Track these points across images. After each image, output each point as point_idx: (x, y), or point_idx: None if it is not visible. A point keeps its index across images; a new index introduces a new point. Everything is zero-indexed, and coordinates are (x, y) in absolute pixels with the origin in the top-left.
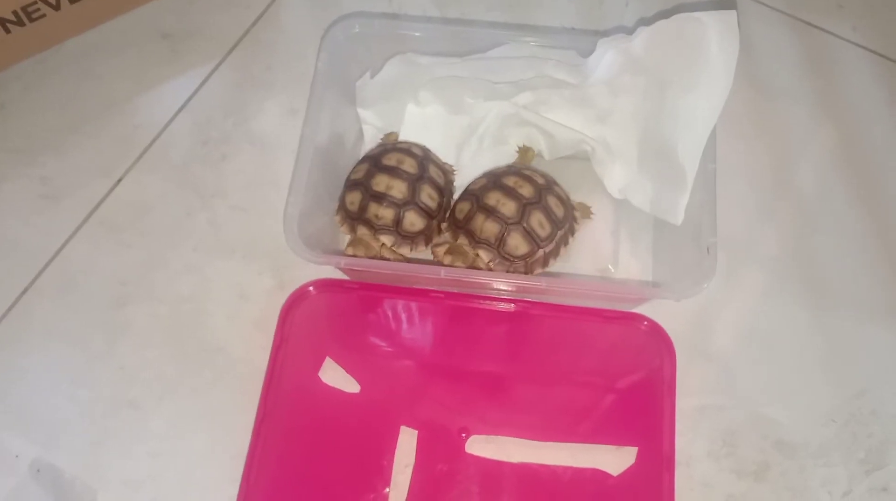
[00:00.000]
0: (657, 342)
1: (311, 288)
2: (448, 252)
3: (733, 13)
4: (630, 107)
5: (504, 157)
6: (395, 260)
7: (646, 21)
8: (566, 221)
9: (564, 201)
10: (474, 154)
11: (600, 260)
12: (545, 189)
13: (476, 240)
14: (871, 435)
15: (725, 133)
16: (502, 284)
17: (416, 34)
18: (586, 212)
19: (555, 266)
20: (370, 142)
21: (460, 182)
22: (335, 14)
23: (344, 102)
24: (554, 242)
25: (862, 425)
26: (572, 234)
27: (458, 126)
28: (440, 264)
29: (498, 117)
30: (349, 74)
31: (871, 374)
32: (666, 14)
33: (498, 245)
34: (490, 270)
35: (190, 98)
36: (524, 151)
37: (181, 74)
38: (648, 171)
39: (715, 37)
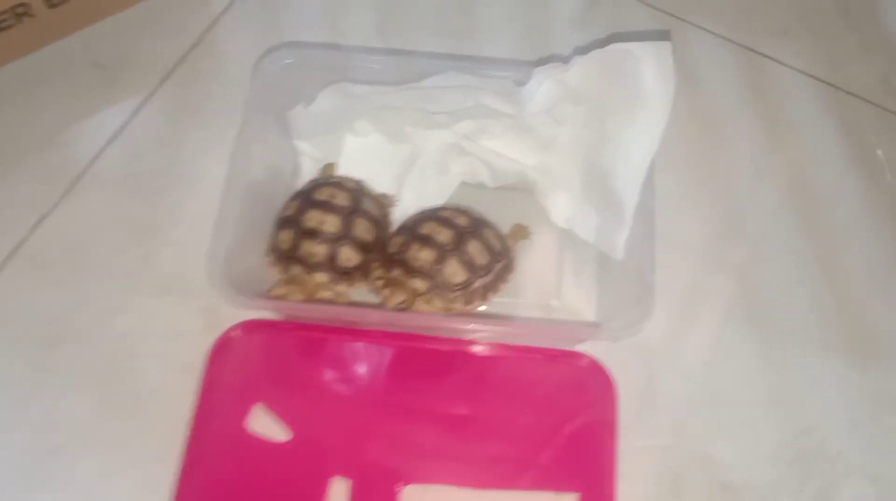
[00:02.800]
0: (598, 382)
1: (238, 330)
2: (385, 286)
3: (667, 45)
4: (571, 135)
5: (448, 188)
6: (334, 299)
7: (581, 50)
8: (504, 255)
9: (501, 238)
10: (416, 184)
11: (543, 294)
12: (481, 223)
13: (411, 269)
14: (819, 474)
15: (670, 164)
16: (438, 323)
17: (351, 64)
18: (524, 233)
19: (496, 300)
20: (308, 174)
21: (401, 212)
22: (275, 41)
23: (279, 134)
24: (493, 273)
25: (809, 463)
26: (511, 271)
27: (399, 155)
28: (372, 306)
29: (439, 146)
30: (283, 105)
31: (818, 411)
32: (602, 44)
33: (434, 273)
34: (427, 299)
35: (122, 128)
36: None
37: (113, 104)
38: (591, 201)
39: (650, 69)
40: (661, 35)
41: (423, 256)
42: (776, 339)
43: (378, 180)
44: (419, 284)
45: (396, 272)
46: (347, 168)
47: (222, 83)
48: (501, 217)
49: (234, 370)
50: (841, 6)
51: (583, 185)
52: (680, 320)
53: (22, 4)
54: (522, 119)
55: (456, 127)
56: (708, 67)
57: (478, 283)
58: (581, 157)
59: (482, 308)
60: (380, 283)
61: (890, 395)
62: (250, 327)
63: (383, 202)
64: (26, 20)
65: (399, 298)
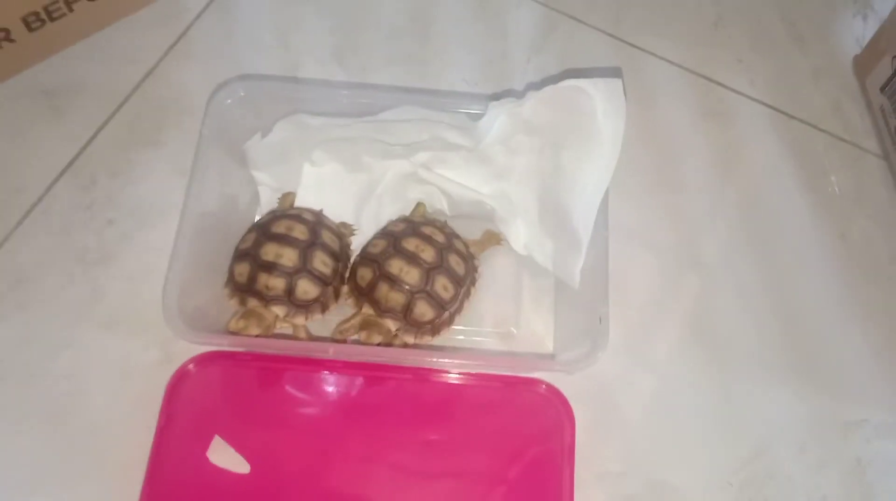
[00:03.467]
0: (557, 408)
1: (196, 363)
2: (361, 327)
3: (618, 82)
4: (527, 164)
5: (404, 214)
6: (293, 332)
7: (535, 85)
8: (468, 276)
9: (465, 256)
10: (374, 213)
11: (502, 321)
12: (446, 249)
13: (381, 309)
14: (769, 497)
15: (625, 193)
16: (401, 357)
17: (307, 96)
18: (496, 239)
19: (457, 327)
20: (266, 203)
21: (360, 241)
22: (230, 68)
23: (235, 164)
24: (458, 300)
25: (758, 488)
26: (473, 284)
27: (357, 184)
28: (330, 340)
29: (396, 176)
30: (239, 136)
31: (767, 436)
32: (556, 79)
33: (405, 313)
34: (396, 336)
35: (73, 160)
36: (417, 209)
37: (64, 134)
38: (549, 229)
39: (601, 105)
40: (614, 72)
41: (394, 298)
42: (727, 365)
43: (337, 209)
44: (391, 323)
45: (368, 309)
46: (305, 197)
47: (176, 113)
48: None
49: (193, 404)
50: (793, 34)
51: (539, 213)
52: (634, 348)
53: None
54: (478, 150)
55: (413, 157)
56: (663, 94)
57: (445, 315)
58: (537, 186)
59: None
60: (356, 321)
61: (835, 418)
62: (208, 359)
63: (342, 232)
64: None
65: (376, 339)
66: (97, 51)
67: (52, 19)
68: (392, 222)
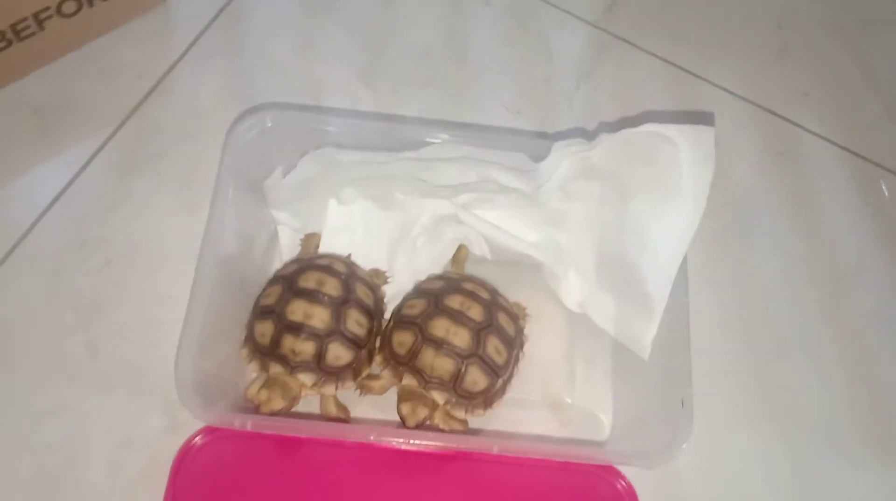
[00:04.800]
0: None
1: (206, 436)
2: (405, 399)
3: (710, 131)
4: (586, 211)
5: (443, 258)
6: (320, 402)
7: (607, 126)
8: (518, 338)
9: (511, 315)
10: (408, 257)
11: (554, 388)
12: (493, 306)
13: (426, 379)
14: None
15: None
16: (444, 442)
17: (334, 128)
18: (521, 313)
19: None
20: (287, 245)
21: (394, 290)
22: (241, 89)
23: (252, 202)
24: (510, 366)
25: None
26: (522, 348)
27: (390, 224)
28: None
29: (434, 216)
30: (257, 171)
31: None
32: (633, 122)
33: (454, 383)
34: (446, 411)
35: (65, 189)
36: (459, 252)
37: (54, 159)
38: (609, 286)
39: (687, 155)
40: (703, 118)
41: (441, 365)
42: (806, 449)
43: (366, 252)
44: (438, 396)
45: (410, 381)
46: (332, 239)
47: (181, 137)
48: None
49: (202, 484)
50: (864, 67)
51: (598, 266)
52: (706, 430)
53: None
54: (534, 195)
55: (455, 198)
56: (723, 127)
57: (499, 383)
58: (597, 236)
59: None
60: (401, 404)
61: None
62: (220, 432)
63: (376, 284)
64: None
65: (421, 414)
66: (92, 63)
67: (20, 39)
68: (427, 280)
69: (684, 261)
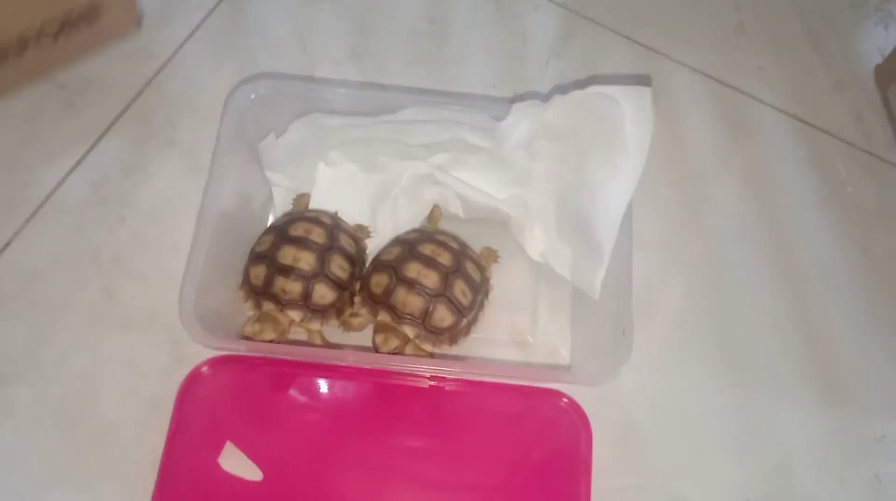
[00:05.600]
0: (574, 421)
1: (208, 366)
2: (377, 331)
3: (647, 91)
4: (547, 170)
5: (421, 216)
6: (308, 336)
7: (561, 89)
8: (483, 285)
9: (478, 265)
10: (391, 214)
11: (518, 329)
12: (462, 255)
13: (399, 315)
14: None
15: (643, 201)
16: (418, 365)
17: (323, 96)
18: (494, 257)
19: (472, 336)
20: (280, 204)
21: (376, 243)
22: (243, 66)
23: (250, 164)
24: (475, 308)
25: None
26: (487, 297)
27: (373, 185)
28: (348, 348)
29: (413, 177)
30: (254, 135)
31: (787, 451)
32: (581, 84)
33: (423, 319)
34: (416, 344)
35: (85, 154)
36: (434, 212)
37: (76, 128)
38: (567, 237)
39: (629, 114)
40: (642, 80)
41: (412, 302)
42: (749, 381)
43: (351, 210)
44: (409, 330)
45: (384, 316)
46: (321, 198)
47: (189, 109)
48: (475, 246)
49: (205, 408)
50: (815, 42)
51: (558, 220)
52: (653, 362)
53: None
54: (499, 153)
55: (430, 159)
56: (683, 100)
57: (464, 322)
58: (556, 192)
59: None
60: (362, 321)
61: (856, 433)
62: (220, 362)
63: (358, 236)
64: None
65: (393, 344)
66: (110, 46)
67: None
68: (403, 233)
69: (630, 209)
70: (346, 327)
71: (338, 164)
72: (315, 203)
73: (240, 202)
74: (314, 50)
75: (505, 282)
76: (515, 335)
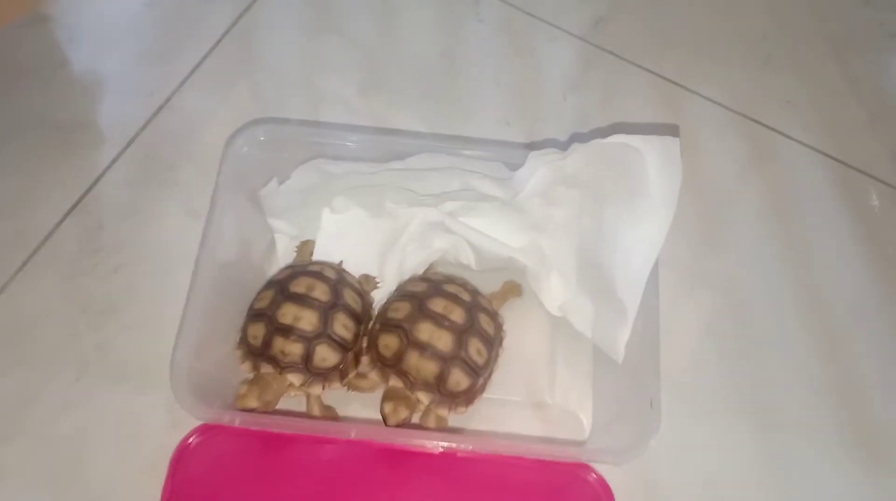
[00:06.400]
0: (599, 495)
1: (203, 433)
2: (388, 398)
3: (675, 142)
4: (566, 218)
5: (426, 261)
6: (307, 402)
7: (579, 134)
8: (497, 336)
9: (492, 314)
10: (398, 263)
11: (535, 389)
12: (474, 308)
13: (412, 381)
14: None
15: (669, 248)
16: (429, 439)
17: (328, 141)
18: (517, 291)
19: (485, 396)
20: (283, 252)
21: (383, 295)
22: (247, 104)
23: (251, 210)
24: (490, 365)
25: None
26: (501, 344)
27: (380, 232)
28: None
29: (422, 224)
30: (256, 181)
31: None
32: (603, 132)
33: (438, 384)
34: (429, 411)
35: (81, 198)
36: (432, 267)
37: (72, 170)
38: (588, 290)
39: (654, 166)
40: (670, 129)
41: (426, 367)
42: (784, 442)
43: (358, 258)
44: (423, 396)
45: (396, 382)
46: (325, 246)
47: (190, 150)
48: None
49: (198, 479)
50: (848, 75)
51: (578, 271)
52: (682, 426)
53: None
54: (514, 202)
55: (441, 205)
56: (708, 136)
57: (480, 382)
58: (576, 242)
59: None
60: (368, 382)
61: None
62: (214, 431)
63: (364, 290)
64: None
65: (402, 414)
66: (107, 83)
67: None
68: (409, 282)
69: (656, 265)
70: (353, 388)
71: (343, 210)
72: (319, 251)
73: (240, 251)
74: (321, 84)
75: (521, 337)
76: (532, 396)
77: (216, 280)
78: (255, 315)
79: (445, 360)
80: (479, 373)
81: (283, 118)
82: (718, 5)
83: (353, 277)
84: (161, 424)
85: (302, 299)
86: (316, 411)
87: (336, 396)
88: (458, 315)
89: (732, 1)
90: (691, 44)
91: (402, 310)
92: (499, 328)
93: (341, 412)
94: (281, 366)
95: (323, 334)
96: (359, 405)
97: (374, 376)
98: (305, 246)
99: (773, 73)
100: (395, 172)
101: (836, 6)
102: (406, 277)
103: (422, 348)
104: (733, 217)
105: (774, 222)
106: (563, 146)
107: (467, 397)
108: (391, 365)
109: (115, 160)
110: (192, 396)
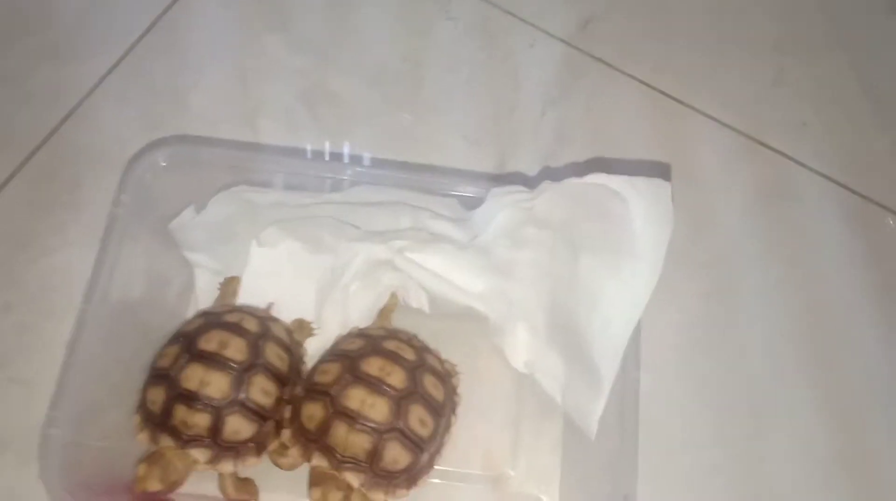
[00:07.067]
0: None
1: None
2: (315, 483)
3: (666, 187)
4: (536, 260)
5: (376, 307)
6: (218, 481)
7: (552, 172)
8: (447, 402)
9: (441, 376)
10: (340, 307)
11: (495, 460)
12: (419, 368)
13: (339, 459)
14: None
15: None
16: None
17: (252, 164)
18: (453, 371)
19: (435, 468)
20: (204, 289)
21: (320, 344)
22: (170, 111)
23: (163, 242)
24: (437, 437)
25: None
26: (454, 412)
27: (318, 269)
28: None
29: (368, 261)
30: (168, 209)
31: None
32: (579, 168)
33: (371, 462)
34: (362, 495)
35: None
36: (388, 302)
37: None
38: (559, 347)
39: (640, 215)
40: (659, 169)
41: (355, 442)
42: None
43: (291, 299)
44: (352, 478)
45: (320, 461)
46: (253, 285)
47: (100, 168)
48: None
49: None
50: (871, 96)
51: (548, 325)
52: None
53: None
54: (473, 244)
55: (391, 242)
56: (710, 162)
57: (424, 458)
58: (547, 290)
59: None
60: (289, 460)
61: None
62: None
63: (294, 342)
64: None
65: (334, 499)
66: (4, 84)
67: None
68: (346, 338)
69: (638, 329)
70: (276, 463)
71: (274, 243)
72: (246, 291)
73: (147, 290)
74: (259, 92)
75: (479, 397)
76: (490, 469)
77: (113, 327)
78: (155, 376)
79: (380, 433)
80: (423, 448)
81: (201, 137)
82: (726, 9)
83: (283, 324)
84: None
85: (211, 360)
86: (230, 490)
87: (257, 471)
88: (396, 378)
89: (742, 5)
90: (694, 52)
91: (330, 373)
92: (451, 391)
93: (264, 490)
94: (183, 440)
95: (235, 401)
96: (285, 479)
97: (294, 453)
98: (230, 284)
99: (786, 90)
100: (333, 205)
101: (859, 14)
102: (349, 322)
103: (351, 418)
104: (736, 258)
105: (785, 266)
106: (534, 182)
107: (409, 476)
108: (315, 440)
109: (11, 177)
110: (67, 482)
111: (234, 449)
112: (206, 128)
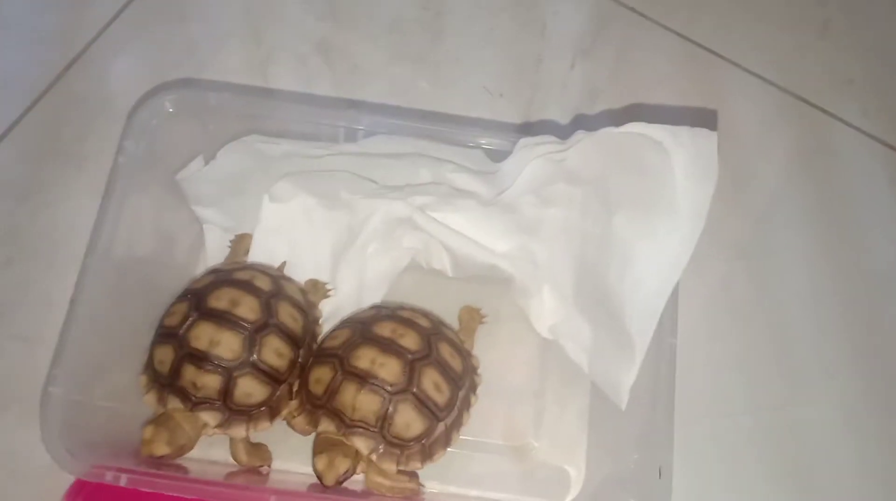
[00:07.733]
0: None
1: (76, 495)
2: (320, 450)
3: (712, 136)
4: (565, 219)
5: (396, 270)
6: (230, 446)
7: (586, 121)
8: (466, 375)
9: (460, 350)
10: (357, 266)
11: (518, 430)
12: (435, 335)
13: (347, 423)
14: None
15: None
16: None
17: (265, 112)
18: (478, 318)
19: (456, 441)
20: (214, 247)
21: (335, 307)
22: (180, 57)
23: (171, 197)
24: (455, 408)
25: None
26: (474, 391)
27: (335, 226)
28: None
29: (387, 219)
30: (175, 160)
31: None
32: (616, 116)
33: (381, 427)
34: (373, 464)
35: None
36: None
37: None
38: (587, 313)
39: (682, 167)
40: (705, 116)
41: (364, 403)
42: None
43: (305, 258)
44: (361, 443)
45: (327, 426)
46: (264, 243)
47: (106, 117)
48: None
49: None
50: None
51: (576, 288)
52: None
53: None
54: (498, 201)
55: (409, 199)
56: (748, 120)
57: (440, 428)
58: (577, 251)
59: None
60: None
61: None
62: (99, 489)
63: (309, 302)
64: None
65: (341, 469)
66: (9, 30)
67: None
68: (359, 311)
69: (675, 292)
70: (291, 426)
71: (288, 198)
72: (258, 248)
73: (154, 247)
74: (272, 39)
75: (502, 364)
76: (512, 439)
77: (118, 283)
78: (163, 335)
79: (391, 394)
80: (438, 416)
81: (211, 81)
82: None
83: (297, 284)
84: (46, 464)
85: (222, 318)
86: (242, 456)
87: (270, 437)
88: (410, 340)
89: None
90: (731, 1)
91: (340, 337)
92: (470, 368)
93: (278, 457)
94: (192, 402)
95: (247, 362)
96: (300, 446)
97: (300, 421)
98: (241, 241)
99: (832, 44)
100: (349, 156)
101: None
102: (366, 284)
103: (360, 379)
104: (775, 223)
105: (825, 229)
106: (564, 132)
107: (423, 447)
108: (322, 405)
109: (12, 127)
110: (69, 442)
111: (246, 413)
112: (216, 76)
